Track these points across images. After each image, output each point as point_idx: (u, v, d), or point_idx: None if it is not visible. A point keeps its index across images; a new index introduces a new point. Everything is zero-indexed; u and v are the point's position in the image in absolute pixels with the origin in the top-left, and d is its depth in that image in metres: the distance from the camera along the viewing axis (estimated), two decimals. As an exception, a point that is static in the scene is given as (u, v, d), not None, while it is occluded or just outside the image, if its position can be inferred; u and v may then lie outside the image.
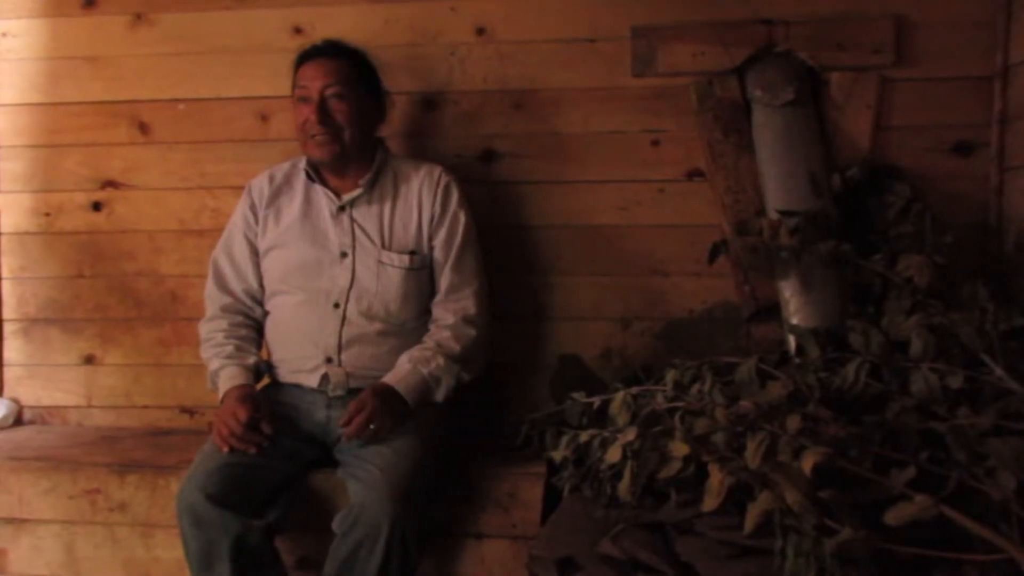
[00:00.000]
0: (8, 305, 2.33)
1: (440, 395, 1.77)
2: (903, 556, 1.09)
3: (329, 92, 1.80)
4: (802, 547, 1.07)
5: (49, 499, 1.87)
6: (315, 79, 1.80)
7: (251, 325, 1.90)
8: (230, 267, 1.90)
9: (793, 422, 1.20)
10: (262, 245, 1.89)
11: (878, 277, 1.71)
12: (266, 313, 1.90)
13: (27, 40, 2.29)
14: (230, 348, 1.82)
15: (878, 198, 1.89)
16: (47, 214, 2.31)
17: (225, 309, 1.88)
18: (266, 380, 1.88)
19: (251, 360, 1.82)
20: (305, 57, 1.85)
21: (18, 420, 2.31)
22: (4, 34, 2.29)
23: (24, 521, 1.88)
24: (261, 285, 1.90)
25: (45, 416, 2.33)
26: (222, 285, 1.90)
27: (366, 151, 1.87)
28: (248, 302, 1.90)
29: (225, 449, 1.66)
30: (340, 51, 1.86)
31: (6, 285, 2.33)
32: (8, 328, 2.33)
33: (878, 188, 1.91)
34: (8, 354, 2.33)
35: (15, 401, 2.31)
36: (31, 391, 2.33)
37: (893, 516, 1.05)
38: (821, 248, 1.76)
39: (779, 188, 1.94)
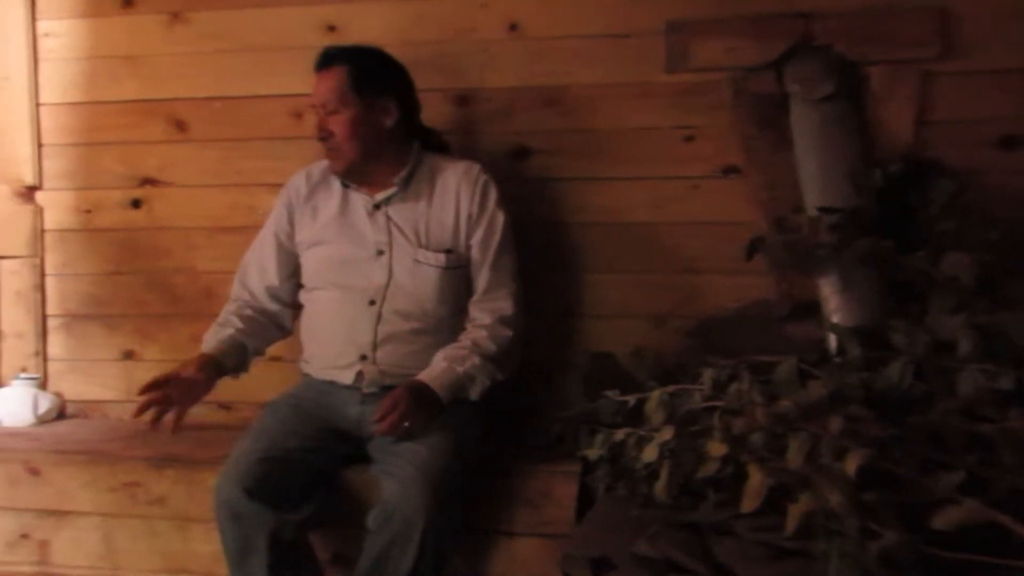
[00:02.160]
0: (51, 301, 2.37)
1: (474, 394, 1.76)
2: (950, 561, 1.06)
3: (326, 109, 1.80)
4: (845, 550, 1.05)
5: (89, 492, 1.90)
6: (314, 96, 1.82)
7: (259, 319, 1.91)
8: (255, 264, 1.93)
9: (835, 423, 1.17)
10: (299, 241, 1.90)
11: (921, 275, 1.68)
12: (294, 309, 1.93)
13: (68, 40, 2.33)
14: (224, 319, 1.87)
15: (921, 194, 1.85)
16: (87, 211, 2.35)
17: (237, 299, 1.93)
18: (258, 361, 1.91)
19: (233, 333, 1.84)
20: (314, 68, 1.84)
21: (61, 414, 2.35)
22: (46, 35, 2.33)
23: (66, 513, 1.91)
24: (288, 282, 1.91)
25: (86, 410, 2.37)
26: (243, 282, 1.94)
27: (390, 152, 1.85)
28: (264, 297, 1.92)
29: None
30: (336, 59, 1.82)
31: (49, 281, 2.37)
32: (51, 323, 2.38)
33: (921, 184, 1.87)
34: (51, 349, 2.38)
35: (58, 395, 2.35)
36: (73, 385, 2.37)
37: (941, 520, 1.03)
38: (862, 245, 1.73)
39: (818, 184, 1.91)
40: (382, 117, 1.83)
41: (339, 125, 1.79)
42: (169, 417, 1.70)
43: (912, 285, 1.72)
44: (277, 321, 1.94)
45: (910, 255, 1.71)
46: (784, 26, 1.99)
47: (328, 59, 1.82)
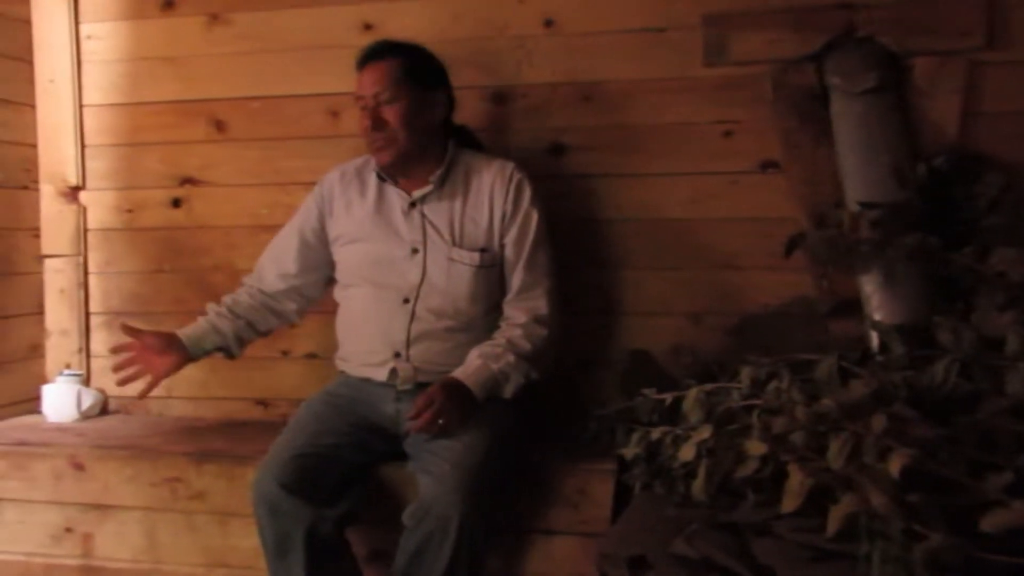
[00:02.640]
0: (94, 299, 2.42)
1: (508, 392, 1.76)
2: (998, 565, 1.03)
3: (380, 98, 1.79)
4: (889, 553, 1.02)
5: (132, 486, 1.93)
6: (366, 86, 1.81)
7: (255, 306, 1.97)
8: (272, 251, 1.99)
9: (878, 422, 1.15)
10: (333, 237, 1.92)
11: (967, 271, 1.63)
12: (304, 300, 1.98)
13: (110, 43, 2.37)
14: (213, 305, 1.96)
15: (967, 188, 1.81)
16: (129, 211, 2.39)
17: (245, 283, 2.00)
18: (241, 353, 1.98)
19: (211, 316, 1.93)
20: (360, 63, 1.85)
21: (104, 410, 2.40)
22: (89, 37, 2.38)
23: (109, 507, 1.94)
24: (303, 276, 1.95)
25: (129, 406, 2.41)
26: (258, 267, 2.00)
27: (432, 148, 1.86)
28: (273, 280, 1.96)
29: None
30: (389, 51, 1.83)
31: (92, 280, 2.42)
32: (94, 321, 2.42)
33: (967, 178, 1.82)
34: (94, 346, 2.42)
35: (101, 391, 2.40)
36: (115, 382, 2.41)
37: (989, 523, 1.00)
38: (906, 241, 1.69)
39: (859, 179, 1.87)
40: (435, 109, 1.85)
41: (394, 114, 1.79)
42: (143, 389, 1.87)
43: (958, 281, 1.68)
44: (276, 308, 1.97)
45: (956, 251, 1.67)
46: (825, 17, 1.96)
47: (381, 51, 1.84)
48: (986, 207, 1.75)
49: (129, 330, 1.88)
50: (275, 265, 1.96)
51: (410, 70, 1.81)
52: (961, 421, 1.23)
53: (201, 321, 1.94)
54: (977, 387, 1.33)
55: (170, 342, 1.88)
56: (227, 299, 1.97)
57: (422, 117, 1.82)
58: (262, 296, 1.97)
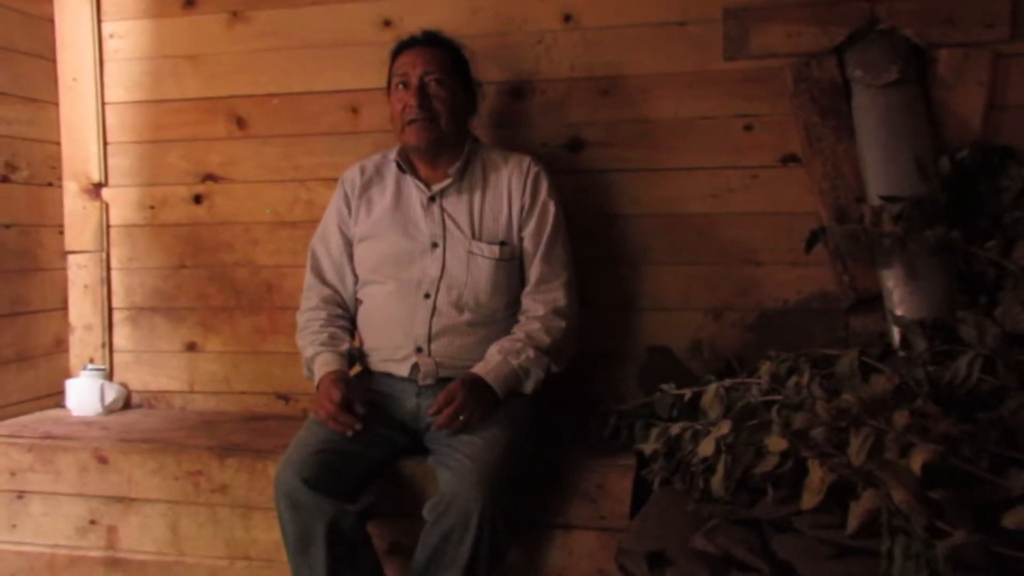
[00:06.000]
0: (117, 294, 2.45)
1: (529, 387, 1.76)
2: (1022, 562, 1.02)
3: (429, 78, 1.82)
4: (911, 549, 1.02)
5: (155, 480, 1.95)
6: (415, 66, 1.83)
7: (346, 316, 1.95)
8: (328, 260, 1.95)
9: (900, 418, 1.14)
10: (354, 235, 1.93)
11: (992, 266, 1.62)
12: (359, 303, 1.94)
13: (132, 41, 2.39)
14: (325, 336, 1.87)
15: (991, 182, 1.79)
16: (152, 207, 2.41)
17: (325, 300, 1.93)
18: (357, 368, 1.92)
19: (344, 347, 1.87)
20: (404, 46, 1.88)
21: (127, 404, 2.43)
22: (111, 35, 2.40)
23: (133, 500, 1.97)
24: (355, 277, 1.94)
25: (151, 400, 2.44)
26: (321, 277, 1.95)
27: (458, 142, 1.88)
28: (344, 294, 1.94)
29: (333, 426, 1.69)
30: (439, 41, 1.89)
31: (115, 275, 2.44)
32: (117, 316, 2.45)
33: (991, 171, 1.80)
34: (117, 341, 2.45)
35: (124, 386, 2.43)
36: (138, 376, 2.44)
37: (1012, 520, 0.99)
38: (928, 235, 1.67)
39: (881, 173, 1.86)
40: (468, 105, 1.91)
41: (442, 96, 1.82)
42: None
43: (982, 276, 1.66)
44: (353, 318, 1.96)
45: (980, 245, 1.65)
46: (847, 9, 1.94)
47: (434, 39, 1.89)
48: (1010, 201, 1.73)
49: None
50: (338, 276, 1.93)
51: (457, 64, 1.87)
52: (984, 417, 1.22)
53: (329, 354, 1.83)
54: (1001, 383, 1.31)
55: (338, 380, 1.77)
56: (325, 327, 1.88)
57: (462, 109, 1.87)
58: (348, 311, 1.94)
